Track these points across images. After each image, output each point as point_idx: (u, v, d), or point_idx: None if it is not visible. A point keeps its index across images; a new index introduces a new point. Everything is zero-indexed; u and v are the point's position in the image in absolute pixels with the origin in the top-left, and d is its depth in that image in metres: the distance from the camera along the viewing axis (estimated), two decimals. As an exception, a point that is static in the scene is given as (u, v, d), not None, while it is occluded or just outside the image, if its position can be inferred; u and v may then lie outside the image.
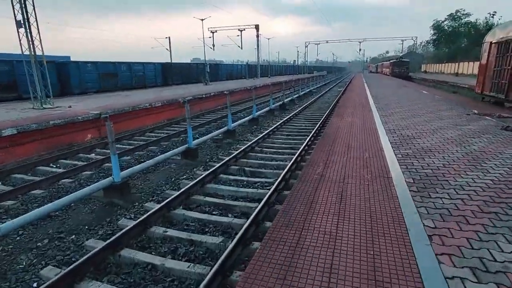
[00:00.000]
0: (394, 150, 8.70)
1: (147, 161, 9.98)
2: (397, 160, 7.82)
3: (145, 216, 6.63)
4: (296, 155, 10.75)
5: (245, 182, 9.16)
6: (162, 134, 16.00)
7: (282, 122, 17.85)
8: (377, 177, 6.67)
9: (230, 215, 7.27)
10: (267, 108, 21.86)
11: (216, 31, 60.48)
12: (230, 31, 59.57)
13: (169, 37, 61.33)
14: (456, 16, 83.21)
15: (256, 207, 6.91)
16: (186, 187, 8.25)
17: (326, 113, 19.96)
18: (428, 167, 7.21)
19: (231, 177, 9.56)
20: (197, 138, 14.31)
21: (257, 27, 58.52)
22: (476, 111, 14.93)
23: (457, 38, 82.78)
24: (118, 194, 8.34)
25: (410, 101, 20.46)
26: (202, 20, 43.45)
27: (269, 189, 7.86)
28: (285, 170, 9.10)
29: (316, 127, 15.58)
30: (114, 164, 8.28)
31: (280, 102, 25.27)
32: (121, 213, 7.73)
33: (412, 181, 6.31)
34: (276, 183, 8.14)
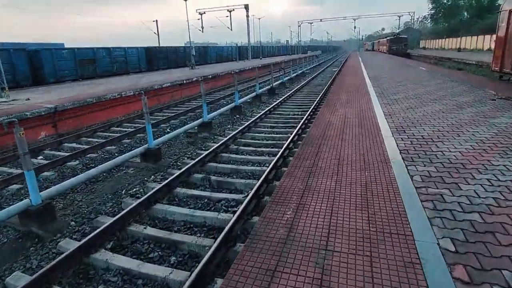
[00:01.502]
0: (407, 167, 5.81)
1: (88, 172, 7.88)
2: (417, 191, 4.89)
3: (43, 270, 4.59)
4: (278, 155, 8.82)
5: (206, 200, 7.11)
6: (129, 129, 13.90)
7: (267, 110, 15.83)
8: (388, 234, 3.88)
9: (173, 258, 5.22)
10: (252, 94, 19.73)
11: (204, 13, 58.26)
12: (219, 12, 57.13)
13: (156, 21, 59.14)
14: None
15: (211, 246, 4.89)
16: (126, 211, 6.21)
17: (317, 99, 17.86)
18: (472, 210, 4.31)
19: (191, 191, 7.49)
20: (168, 132, 12.96)
21: (246, 7, 56.17)
22: (501, 95, 12.40)
23: (457, 11, 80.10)
24: (37, 222, 6.27)
25: (414, 82, 17.84)
26: (185, 0, 40.85)
27: (235, 213, 5.85)
28: (260, 180, 7.11)
29: (306, 116, 13.72)
30: (29, 183, 6.19)
31: (269, 87, 23.03)
32: (29, 255, 5.66)
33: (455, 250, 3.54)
34: (245, 202, 6.13)
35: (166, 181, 7.51)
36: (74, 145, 11.93)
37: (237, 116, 16.24)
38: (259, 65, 37.10)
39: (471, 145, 6.83)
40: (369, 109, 11.32)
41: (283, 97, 19.87)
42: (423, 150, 6.70)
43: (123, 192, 8.01)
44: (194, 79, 24.00)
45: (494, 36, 47.82)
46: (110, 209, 7.11)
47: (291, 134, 11.03)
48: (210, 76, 26.45)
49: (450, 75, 21.51)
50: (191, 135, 13.13)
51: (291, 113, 15.82)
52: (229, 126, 14.23)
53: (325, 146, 7.40)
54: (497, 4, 67.46)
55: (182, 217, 6.39)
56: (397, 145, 7.08)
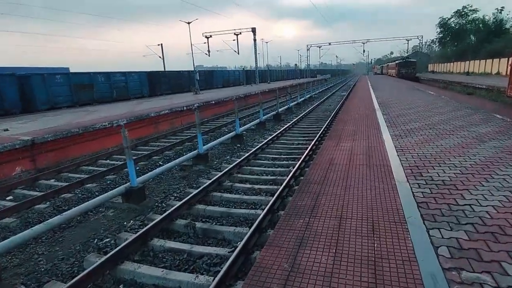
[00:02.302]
0: (429, 232, 4.41)
1: (50, 220, 6.74)
2: (446, 278, 3.50)
3: None
4: (276, 194, 7.72)
5: (185, 256, 5.92)
6: (118, 161, 12.84)
7: (270, 139, 14.70)
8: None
9: None
10: (256, 121, 18.67)
11: (211, 36, 57.53)
12: (226, 35, 56.60)
13: (161, 44, 58.56)
14: (463, 13, 79.89)
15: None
16: (84, 273, 5.06)
17: (324, 126, 16.65)
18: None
19: (169, 243, 6.30)
20: (160, 165, 12.02)
21: (253, 30, 55.66)
22: None
23: (464, 35, 79.55)
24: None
25: (427, 109, 16.38)
26: (188, 23, 40.28)
27: (216, 275, 4.70)
28: (251, 230, 6.01)
29: (311, 146, 12.55)
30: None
31: (274, 112, 21.97)
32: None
33: None
34: (230, 260, 4.98)
35: (141, 231, 6.33)
36: (52, 181, 10.83)
37: (238, 145, 15.16)
38: (266, 90, 36.35)
39: (505, 196, 5.41)
40: (379, 142, 9.99)
41: (288, 124, 18.79)
42: (446, 203, 5.27)
43: (95, 242, 6.84)
44: (195, 105, 22.96)
45: (504, 60, 47.62)
46: (70, 268, 5.93)
47: (294, 167, 9.96)
48: (213, 102, 25.43)
49: (462, 100, 20.28)
50: (185, 167, 12.08)
51: (295, 142, 14.67)
52: (227, 158, 13.12)
53: (324, 196, 5.96)
54: (504, 28, 66.90)
55: (153, 280, 5.22)
56: (414, 195, 5.65)
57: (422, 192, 5.79)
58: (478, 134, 10.15)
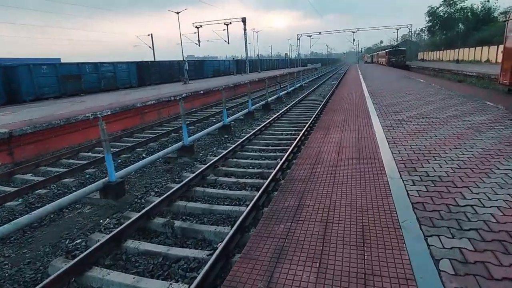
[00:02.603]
0: (428, 240, 3.84)
1: (2, 228, 6.24)
2: None
3: None
4: (262, 189, 7.32)
5: (160, 260, 5.47)
6: (99, 154, 12.31)
7: (258, 130, 14.29)
8: None
9: None
10: (244, 111, 18.18)
11: (201, 26, 56.96)
12: (216, 25, 55.85)
13: (151, 34, 57.81)
14: (451, 2, 79.84)
15: None
16: (47, 281, 4.59)
17: (313, 116, 16.19)
18: None
19: (144, 245, 5.83)
20: (144, 157, 11.53)
21: (243, 20, 54.93)
22: None
23: (453, 24, 79.66)
24: None
25: (418, 98, 15.87)
26: (177, 13, 39.63)
27: (192, 282, 4.30)
28: (233, 229, 5.62)
29: (299, 136, 12.18)
30: None
31: (263, 102, 21.47)
32: None
33: None
34: (208, 265, 4.60)
35: (114, 232, 5.87)
36: (29, 176, 10.30)
37: (225, 136, 14.70)
38: (256, 79, 35.78)
39: (509, 195, 4.80)
40: (369, 133, 9.39)
41: (278, 113, 18.33)
42: (445, 204, 4.65)
43: (65, 243, 6.36)
44: (183, 95, 22.42)
45: (493, 48, 47.56)
46: (34, 274, 5.45)
47: (281, 159, 9.61)
48: (202, 92, 24.86)
49: (453, 88, 19.84)
50: (169, 160, 11.61)
51: (283, 132, 14.21)
52: (214, 149, 12.65)
53: (309, 194, 5.36)
54: (492, 16, 66.94)
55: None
56: (408, 194, 5.03)
57: (417, 190, 5.21)
58: (473, 124, 9.63)
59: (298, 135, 12.38)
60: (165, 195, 7.49)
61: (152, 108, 19.24)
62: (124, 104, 17.30)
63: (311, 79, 46.58)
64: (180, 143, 11.64)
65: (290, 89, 30.32)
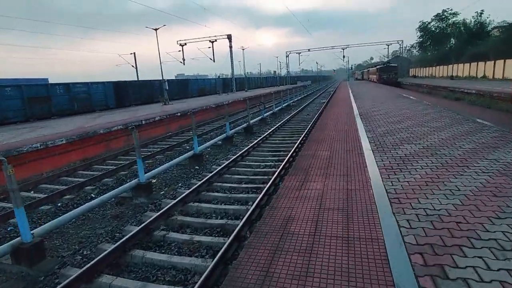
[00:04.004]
0: None
1: None
2: None
3: None
4: (216, 258, 5.55)
5: None
6: (42, 194, 10.34)
7: (235, 159, 12.61)
8: None
9: None
10: (221, 136, 16.29)
11: (185, 44, 55.26)
12: (202, 43, 54.26)
13: (134, 53, 56.13)
14: (443, 16, 79.53)
15: None
16: None
17: (294, 147, 14.22)
18: None
19: None
20: (93, 197, 9.71)
21: (229, 37, 53.53)
22: None
23: (445, 39, 78.92)
24: None
25: (419, 123, 12.99)
26: (155, 29, 37.81)
27: None
28: None
29: (279, 169, 10.46)
30: None
31: (245, 125, 19.58)
32: None
33: None
34: None
35: None
36: None
37: (197, 167, 12.81)
38: (241, 99, 34.01)
39: None
40: (363, 182, 6.64)
41: (259, 139, 16.45)
42: None
43: None
44: (157, 119, 20.51)
45: (490, 63, 46.32)
46: None
47: (254, 202, 7.89)
48: (179, 114, 22.94)
49: (456, 108, 17.82)
50: (123, 201, 9.67)
51: (261, 164, 12.29)
52: (178, 185, 10.74)
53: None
54: (486, 31, 66.16)
55: None
56: None
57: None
58: (507, 166, 6.92)
59: (279, 167, 10.55)
60: (89, 265, 5.52)
61: (119, 133, 17.28)
62: (87, 131, 15.27)
63: (299, 97, 44.72)
64: (135, 181, 9.71)
65: (276, 109, 28.46)
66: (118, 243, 6.25)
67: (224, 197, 9.14)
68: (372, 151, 9.15)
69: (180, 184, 11.00)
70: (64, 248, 7.08)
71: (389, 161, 7.96)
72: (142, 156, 13.70)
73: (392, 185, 6.32)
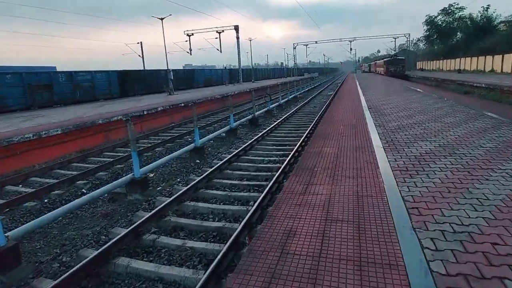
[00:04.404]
0: None
1: None
2: None
3: None
4: (209, 271, 4.84)
5: None
6: (29, 189, 9.73)
7: (237, 152, 11.97)
8: None
9: None
10: (225, 128, 15.59)
11: (192, 34, 54.42)
12: (210, 33, 53.46)
13: (141, 42, 55.44)
14: (449, 11, 78.65)
15: None
16: None
17: (300, 140, 13.43)
18: None
19: None
20: (85, 193, 9.04)
21: (236, 28, 52.64)
22: None
23: (452, 33, 78.51)
24: None
25: (432, 119, 11.97)
26: (161, 19, 37.03)
27: None
28: None
29: (283, 165, 9.69)
30: None
31: (250, 117, 18.87)
32: None
33: None
34: None
35: None
36: None
37: (198, 161, 12.13)
38: (247, 89, 33.29)
39: None
40: (375, 186, 5.84)
41: (263, 131, 15.74)
42: None
43: None
44: (159, 109, 19.83)
45: (498, 57, 45.44)
46: None
47: (256, 202, 7.17)
48: (182, 104, 22.25)
49: (468, 102, 17.01)
50: (116, 197, 9.03)
51: (265, 159, 11.61)
52: (177, 181, 10.10)
53: None
54: (492, 25, 65.23)
55: None
56: None
57: None
58: None
59: (285, 161, 9.97)
60: (63, 277, 4.87)
61: (120, 124, 16.59)
62: (81, 121, 14.63)
63: (306, 89, 43.85)
64: (129, 176, 9.05)
65: (283, 101, 27.71)
66: (101, 249, 5.59)
67: (223, 196, 8.46)
68: (384, 148, 8.34)
69: (178, 179, 10.34)
70: (44, 251, 6.43)
71: (403, 161, 7.12)
72: (141, 149, 13.20)
73: (409, 190, 5.48)
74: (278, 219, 4.77)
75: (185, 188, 8.46)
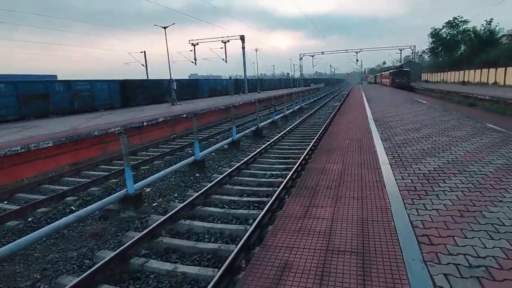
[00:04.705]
0: None
1: None
2: None
3: None
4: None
5: None
6: (11, 205, 9.32)
7: (239, 166, 11.53)
8: None
9: None
10: (227, 140, 15.15)
11: (197, 44, 54.33)
12: (215, 43, 53.33)
13: (144, 52, 55.28)
14: (454, 24, 79.27)
15: None
16: None
17: (303, 155, 12.89)
18: None
19: None
20: (73, 210, 8.44)
21: (242, 38, 52.54)
22: None
23: (456, 45, 79.36)
24: None
25: (439, 132, 11.54)
26: (164, 28, 36.81)
27: None
28: None
29: (286, 180, 9.11)
30: None
31: (253, 128, 18.42)
32: None
33: None
34: None
35: None
36: None
37: (197, 175, 11.69)
38: (252, 100, 32.93)
39: None
40: (382, 209, 5.29)
41: (268, 143, 15.54)
42: None
43: None
44: (160, 120, 19.43)
45: (501, 70, 45.21)
46: None
47: (255, 221, 6.72)
48: (185, 115, 21.85)
49: (473, 115, 16.44)
50: (108, 214, 8.58)
51: (267, 173, 11.16)
52: (175, 195, 9.66)
53: None
54: (495, 38, 65.45)
55: None
56: None
57: None
58: None
59: (287, 175, 9.43)
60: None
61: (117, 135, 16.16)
62: (75, 133, 14.20)
63: (312, 100, 43.40)
64: (122, 191, 8.60)
65: (288, 112, 27.29)
66: (81, 277, 5.09)
67: (221, 213, 7.98)
68: (390, 165, 7.82)
69: (176, 194, 9.89)
70: (24, 276, 5.94)
71: (411, 180, 6.61)
72: (139, 161, 12.74)
73: (418, 214, 4.98)
74: (274, 249, 4.22)
75: (181, 205, 8.01)
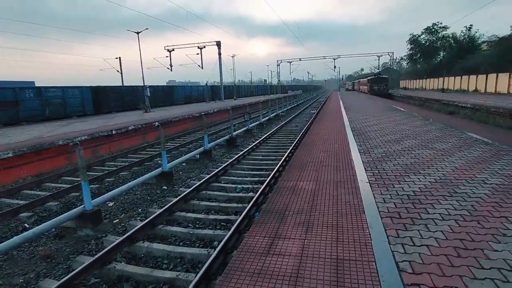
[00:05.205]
0: None
1: None
2: None
3: None
4: None
5: None
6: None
7: (208, 178, 10.88)
8: None
9: None
10: (199, 150, 14.49)
11: (173, 50, 53.56)
12: (191, 49, 52.66)
13: (119, 58, 54.31)
14: (433, 30, 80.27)
15: None
16: None
17: (274, 171, 12.36)
18: None
19: None
20: (23, 230, 7.55)
21: (218, 44, 52.03)
22: None
23: (435, 52, 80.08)
24: None
25: (422, 144, 10.88)
26: (137, 33, 35.97)
27: None
28: None
29: (257, 194, 8.59)
30: None
31: (227, 137, 17.80)
32: None
33: None
34: None
35: None
36: None
37: (165, 187, 11.04)
38: (228, 107, 32.36)
39: None
40: (360, 247, 4.45)
41: (241, 152, 14.92)
42: None
43: None
44: (130, 128, 18.66)
45: (482, 77, 45.48)
46: None
47: (219, 244, 6.19)
48: (156, 124, 21.04)
49: (456, 124, 16.05)
50: (65, 232, 7.98)
51: (238, 186, 10.53)
52: (139, 211, 9.05)
53: None
54: (475, 44, 66.07)
55: None
56: None
57: None
58: None
59: (260, 188, 8.85)
60: None
61: (86, 144, 15.40)
62: (38, 142, 13.39)
63: (289, 107, 43.01)
64: (80, 208, 7.91)
65: (264, 119, 26.73)
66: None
67: (184, 234, 7.34)
68: (370, 184, 7.05)
69: (140, 210, 9.22)
70: None
71: (394, 203, 5.85)
72: (104, 172, 12.01)
73: (405, 252, 4.19)
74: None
75: (141, 224, 7.35)
